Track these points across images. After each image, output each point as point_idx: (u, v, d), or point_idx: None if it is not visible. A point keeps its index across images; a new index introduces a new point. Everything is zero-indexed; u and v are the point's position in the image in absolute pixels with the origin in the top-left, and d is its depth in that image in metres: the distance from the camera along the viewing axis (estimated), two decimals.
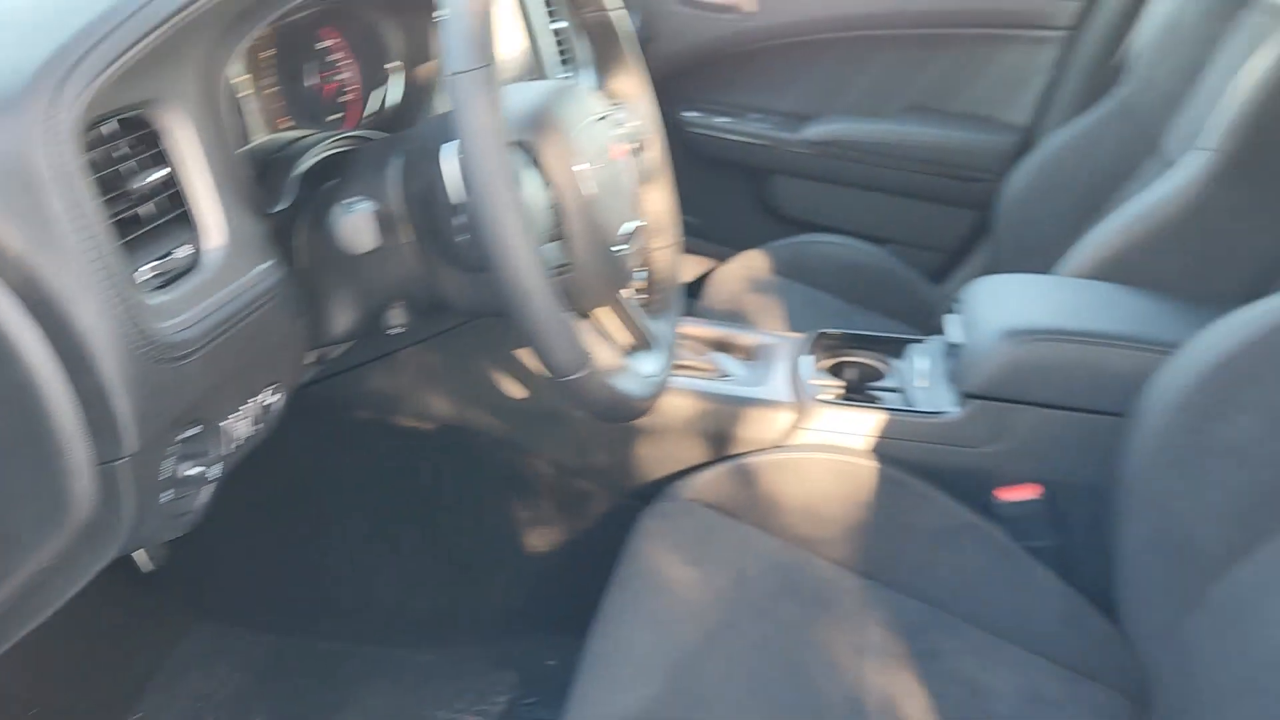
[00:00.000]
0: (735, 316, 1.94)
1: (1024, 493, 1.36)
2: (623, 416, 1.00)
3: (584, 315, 1.08)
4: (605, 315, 1.10)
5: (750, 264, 2.10)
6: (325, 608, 1.51)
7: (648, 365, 1.11)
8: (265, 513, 1.52)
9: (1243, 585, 1.16)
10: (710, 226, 2.48)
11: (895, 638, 1.23)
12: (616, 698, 1.02)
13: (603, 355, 0.99)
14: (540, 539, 1.49)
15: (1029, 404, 1.35)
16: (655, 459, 1.44)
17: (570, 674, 1.07)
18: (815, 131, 2.40)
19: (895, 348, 1.57)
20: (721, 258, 2.21)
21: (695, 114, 2.51)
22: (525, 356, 1.39)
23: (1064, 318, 1.37)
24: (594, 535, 1.49)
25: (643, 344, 1.15)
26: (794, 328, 1.77)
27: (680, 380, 1.43)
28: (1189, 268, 1.49)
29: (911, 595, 1.32)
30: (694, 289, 2.07)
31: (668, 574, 1.18)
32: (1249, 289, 1.45)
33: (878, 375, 1.54)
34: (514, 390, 1.41)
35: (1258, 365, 1.14)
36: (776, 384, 1.46)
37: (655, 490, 1.43)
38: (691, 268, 2.37)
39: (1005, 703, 1.19)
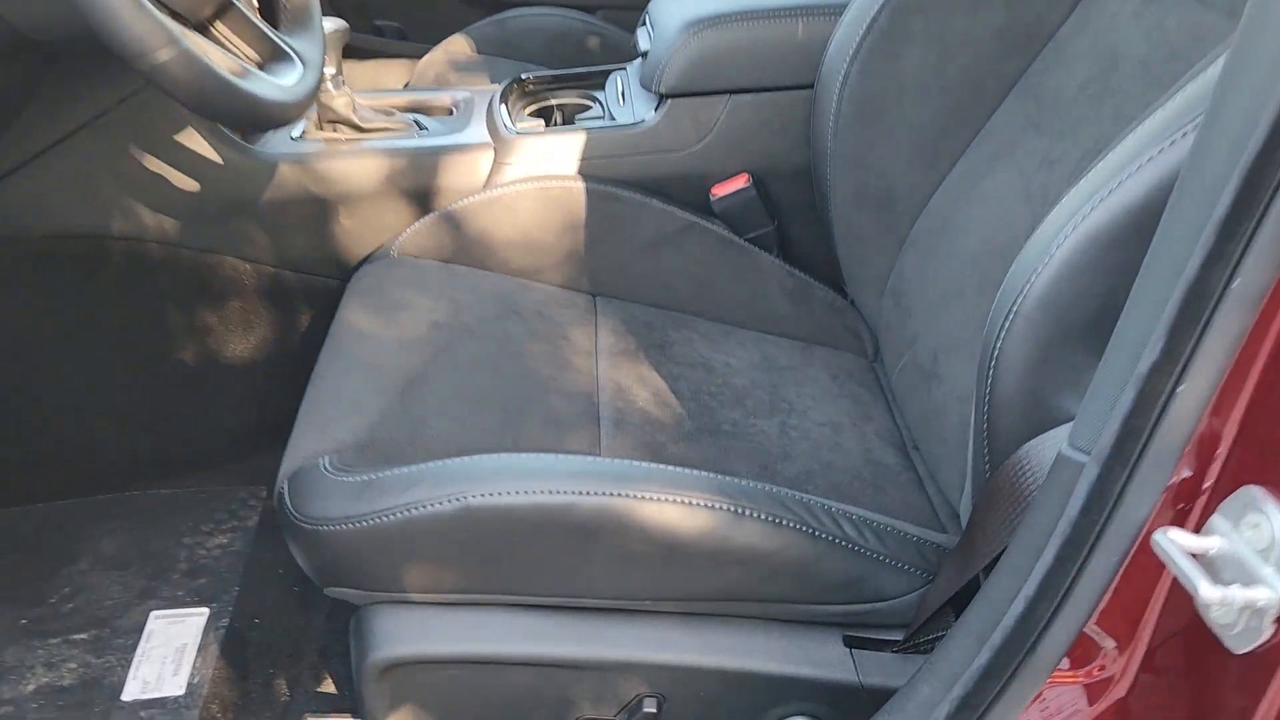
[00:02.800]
0: None
1: (735, 184, 1.35)
2: (244, 117, 0.91)
3: (201, 29, 0.97)
4: (223, 27, 0.98)
5: (453, 49, 1.99)
6: (46, 466, 1.37)
7: (285, 78, 1.01)
8: None
9: (935, 215, 1.19)
10: (410, 27, 2.33)
11: (622, 337, 1.21)
12: (328, 434, 0.96)
13: (216, 57, 0.89)
14: (259, 345, 1.39)
15: (721, 92, 1.33)
16: (358, 233, 1.35)
17: None
18: None
19: (596, 80, 1.52)
20: None
21: None
22: (189, 139, 1.26)
23: (741, 1, 1.34)
24: (314, 327, 1.40)
25: (276, 57, 1.04)
26: None
27: (370, 143, 1.33)
28: None
29: (638, 302, 1.30)
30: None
31: (378, 321, 1.12)
32: None
33: (582, 110, 1.48)
34: (185, 183, 1.28)
35: None
36: (474, 130, 1.38)
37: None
38: (397, 73, 2.23)
39: (741, 375, 1.19)
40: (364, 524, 0.84)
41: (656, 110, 1.34)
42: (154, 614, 1.22)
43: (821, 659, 0.91)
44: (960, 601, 0.90)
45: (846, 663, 0.91)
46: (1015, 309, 0.77)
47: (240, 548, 1.31)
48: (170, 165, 1.27)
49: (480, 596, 0.88)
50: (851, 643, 0.92)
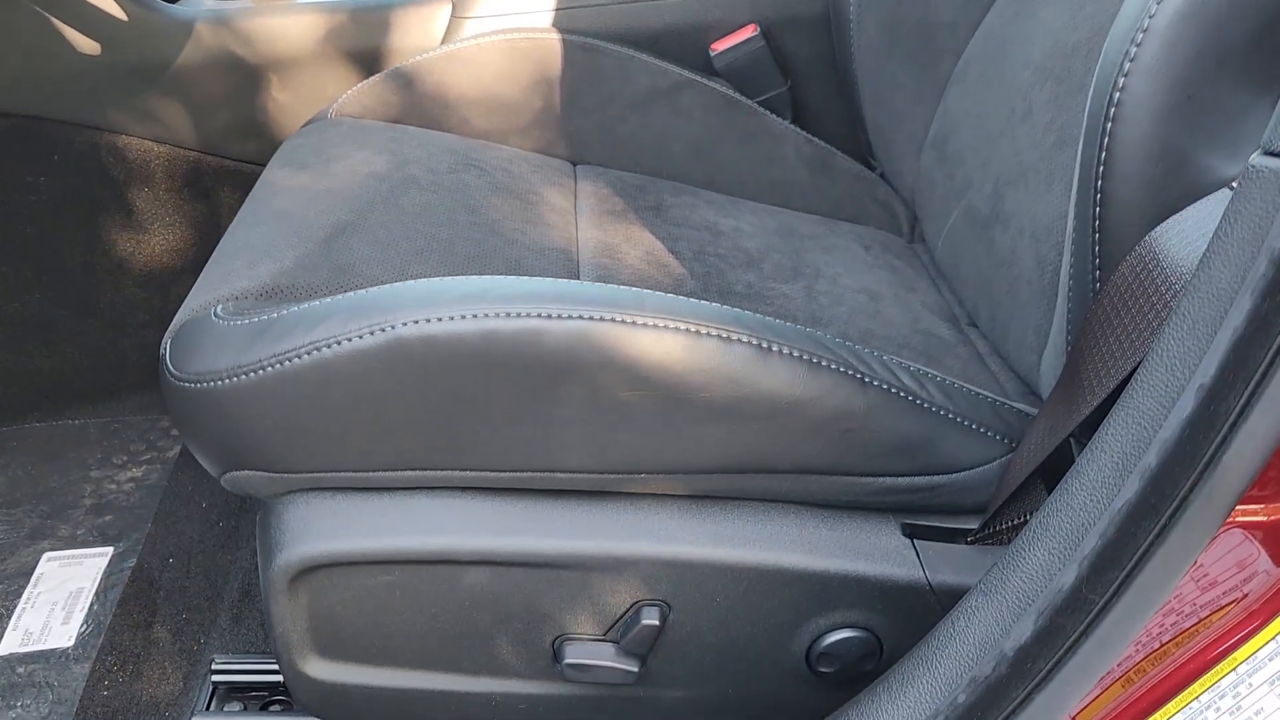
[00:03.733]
0: None
1: (740, 36, 1.14)
2: None
3: None
4: None
5: None
6: None
7: None
8: None
9: (986, 39, 0.98)
10: None
11: (607, 200, 0.99)
12: (227, 284, 0.74)
13: None
14: (176, 246, 1.17)
15: None
16: (291, 106, 1.13)
17: None
18: None
19: None
20: None
21: None
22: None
23: None
24: None
25: None
26: None
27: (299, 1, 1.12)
28: None
29: (637, 171, 1.08)
30: None
31: (303, 176, 0.90)
32: None
33: None
34: (80, 44, 1.06)
35: None
36: None
37: None
38: None
39: (754, 239, 0.97)
40: (260, 373, 0.62)
41: None
42: (46, 556, 1.00)
43: (875, 550, 0.68)
44: (1051, 480, 0.68)
45: (908, 555, 0.69)
46: (1144, 29, 0.55)
47: (155, 480, 1.09)
48: (61, 22, 1.06)
49: (420, 475, 0.65)
50: (912, 532, 0.70)
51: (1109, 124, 0.58)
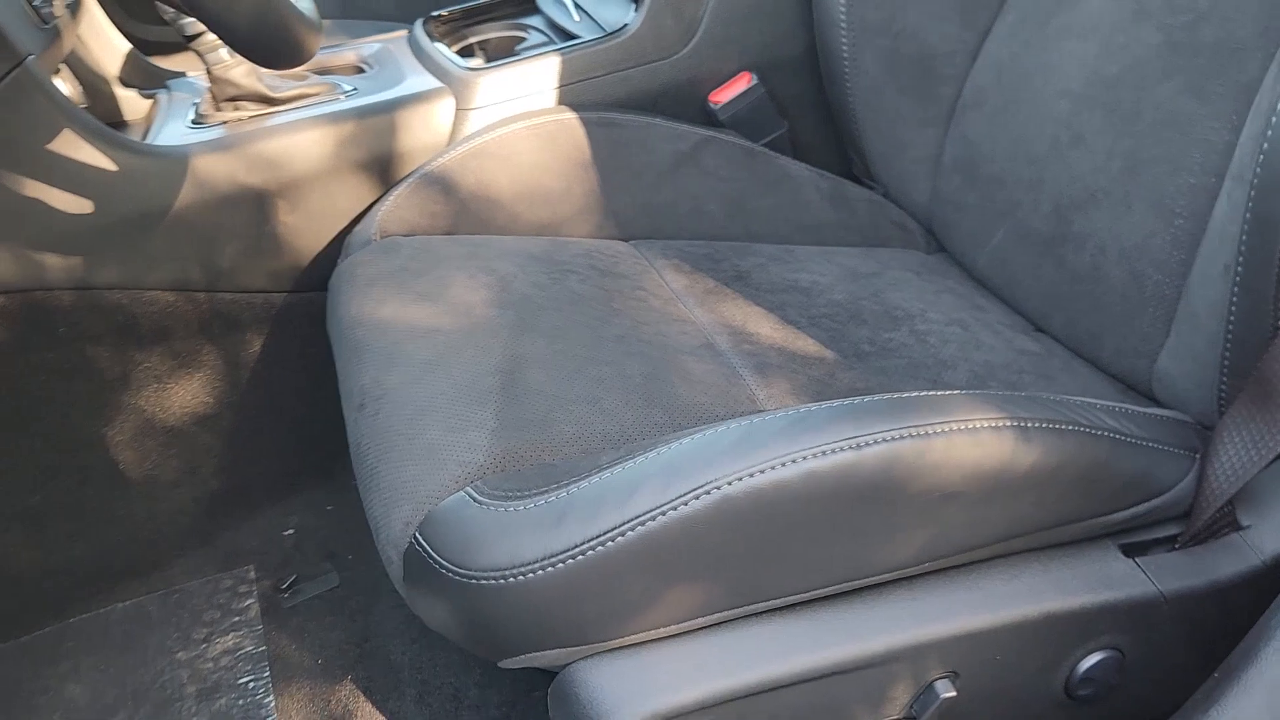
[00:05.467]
0: None
1: (737, 86, 1.17)
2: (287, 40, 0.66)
3: None
4: None
5: None
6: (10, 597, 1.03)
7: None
8: None
9: (994, 68, 1.05)
10: None
11: (692, 276, 1.00)
12: (442, 461, 0.71)
13: None
14: (205, 397, 1.09)
15: None
16: (304, 229, 1.07)
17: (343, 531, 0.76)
18: None
19: (524, 6, 1.29)
20: None
21: None
22: (68, 145, 0.95)
23: None
24: (269, 358, 1.11)
25: None
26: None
27: (300, 113, 1.06)
28: None
29: (677, 238, 1.10)
30: None
31: (413, 312, 0.87)
32: None
33: (518, 42, 1.25)
34: (73, 204, 0.97)
35: None
36: (416, 78, 1.13)
37: (325, 267, 1.09)
38: None
39: (838, 290, 1.02)
40: (580, 557, 0.62)
41: (637, 11, 1.13)
42: None
43: (1112, 578, 0.75)
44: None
45: (1137, 575, 0.76)
46: None
47: (253, 648, 1.02)
48: (50, 184, 0.96)
49: (731, 613, 0.67)
50: (1130, 550, 0.78)
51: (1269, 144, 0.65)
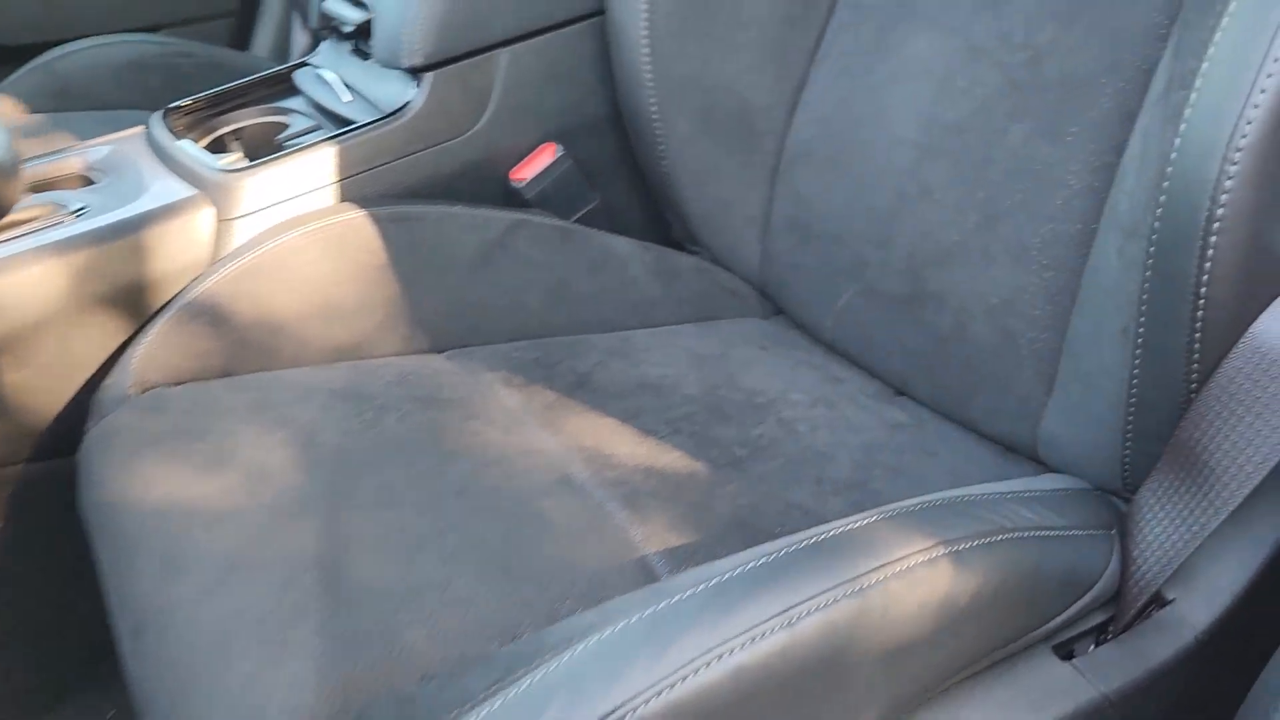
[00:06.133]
0: None
1: (541, 159, 1.05)
2: None
3: None
4: None
5: None
6: None
7: None
8: None
9: (817, 121, 0.98)
10: None
11: (528, 390, 0.87)
12: (272, 692, 0.55)
13: None
14: None
15: (493, 47, 1.01)
16: (36, 387, 0.87)
17: None
18: None
19: (280, 87, 1.12)
20: None
21: None
22: None
23: None
24: (27, 536, 0.90)
25: None
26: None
27: (18, 245, 0.86)
28: None
29: (499, 341, 0.96)
30: None
31: (195, 493, 0.69)
32: None
33: (280, 130, 1.09)
34: None
35: None
36: (162, 185, 0.95)
37: (70, 430, 0.88)
38: None
39: (689, 383, 0.91)
40: None
41: (419, 87, 0.99)
42: None
43: (1053, 689, 0.67)
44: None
45: (1077, 680, 0.68)
46: (1240, 147, 0.57)
47: None
48: None
49: None
50: (1064, 651, 0.70)
51: (1211, 236, 0.59)
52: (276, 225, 0.91)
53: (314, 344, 0.87)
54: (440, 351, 0.93)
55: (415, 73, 0.99)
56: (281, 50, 1.85)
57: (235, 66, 1.63)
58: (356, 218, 0.92)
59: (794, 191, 0.99)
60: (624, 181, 1.11)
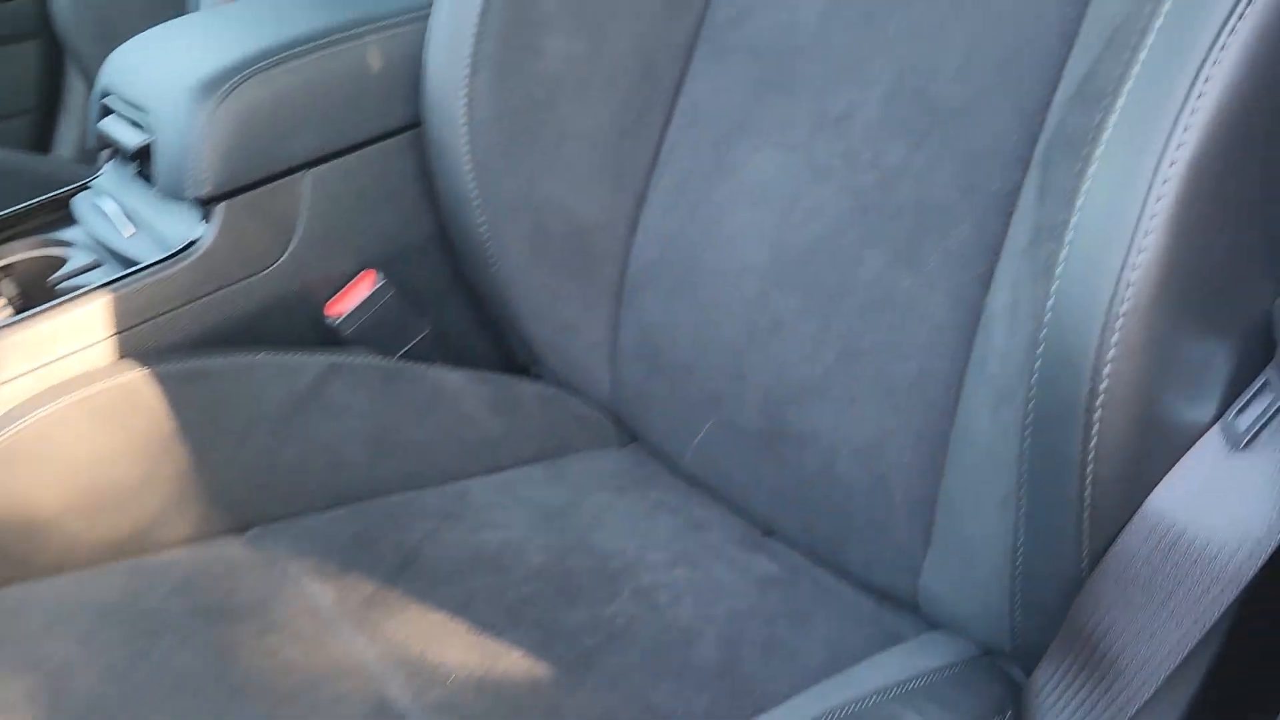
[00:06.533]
0: None
1: (359, 290, 0.93)
2: None
3: None
4: None
5: None
6: None
7: None
8: None
9: (660, 241, 0.89)
10: None
11: (341, 580, 0.75)
12: None
13: None
14: None
15: (295, 170, 0.90)
16: None
17: None
18: None
19: (59, 214, 0.99)
20: None
21: None
22: None
23: (261, 36, 0.91)
24: None
25: None
26: None
27: None
28: None
29: (312, 511, 0.84)
30: None
31: None
32: None
33: (56, 266, 0.95)
34: None
35: None
36: None
37: None
38: None
39: (534, 550, 0.80)
40: None
41: (207, 223, 0.87)
42: None
43: None
44: None
45: None
46: (1123, 311, 0.50)
47: None
48: None
49: None
50: None
51: (1095, 412, 0.52)
52: (35, 396, 0.78)
53: (82, 543, 0.74)
54: (242, 531, 0.80)
55: (204, 204, 0.87)
56: (91, 151, 1.70)
57: (35, 173, 1.48)
58: (136, 378, 0.79)
59: (640, 318, 0.90)
60: (457, 305, 1.01)
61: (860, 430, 0.75)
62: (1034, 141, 0.66)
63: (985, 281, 0.68)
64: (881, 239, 0.74)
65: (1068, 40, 0.65)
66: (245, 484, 0.81)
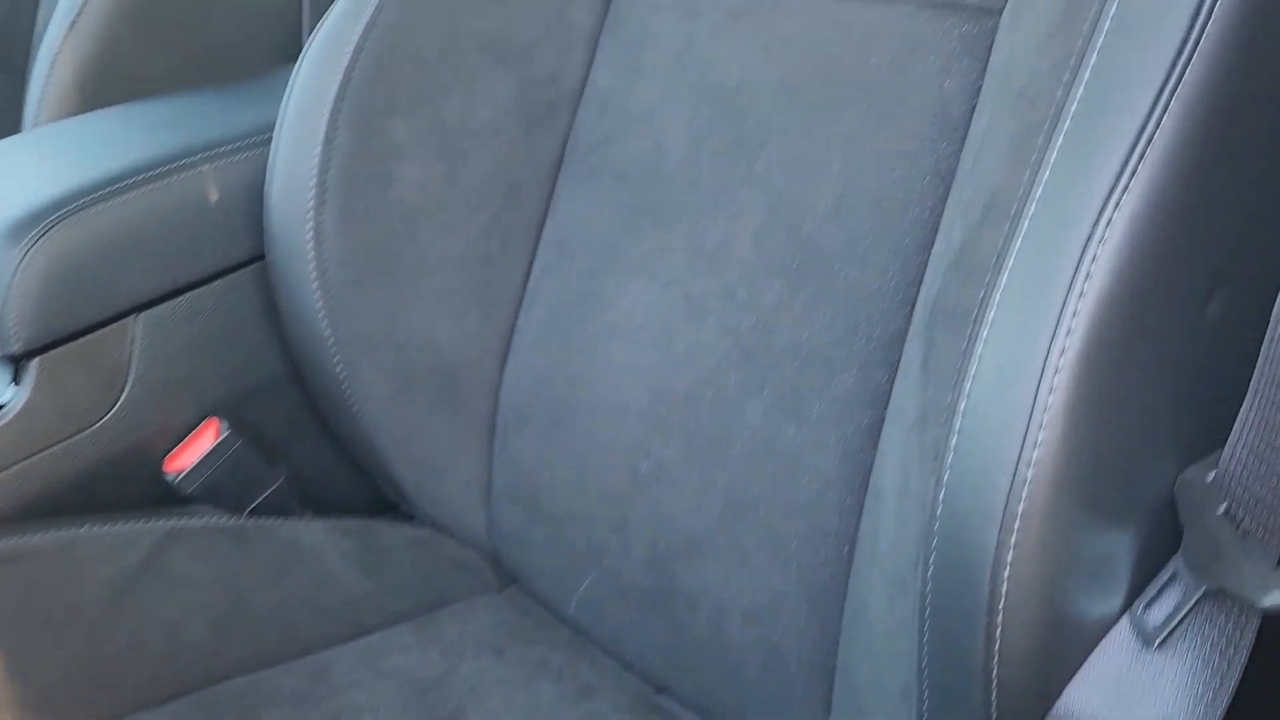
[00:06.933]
0: None
1: (202, 443, 0.85)
2: None
3: None
4: None
5: None
6: None
7: None
8: None
9: (533, 378, 0.83)
10: None
11: None
12: None
13: None
14: None
15: (122, 316, 0.81)
16: None
17: None
18: None
19: None
20: None
21: None
22: None
23: (81, 169, 0.83)
24: None
25: None
26: None
27: None
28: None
29: (172, 699, 0.75)
30: None
31: None
32: None
33: None
34: None
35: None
36: None
37: None
38: None
39: (379, 712, 0.72)
40: None
41: (18, 383, 0.78)
42: None
43: None
44: None
45: None
46: (1014, 511, 0.45)
47: None
48: None
49: None
50: None
51: (997, 615, 0.47)
52: None
53: None
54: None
55: (15, 360, 0.78)
56: None
57: None
58: None
59: (515, 460, 0.84)
60: (315, 446, 0.93)
61: (751, 591, 0.69)
62: (915, 283, 0.62)
63: (873, 434, 0.63)
64: (763, 385, 0.68)
65: (945, 180, 0.61)
66: (64, 682, 0.72)
